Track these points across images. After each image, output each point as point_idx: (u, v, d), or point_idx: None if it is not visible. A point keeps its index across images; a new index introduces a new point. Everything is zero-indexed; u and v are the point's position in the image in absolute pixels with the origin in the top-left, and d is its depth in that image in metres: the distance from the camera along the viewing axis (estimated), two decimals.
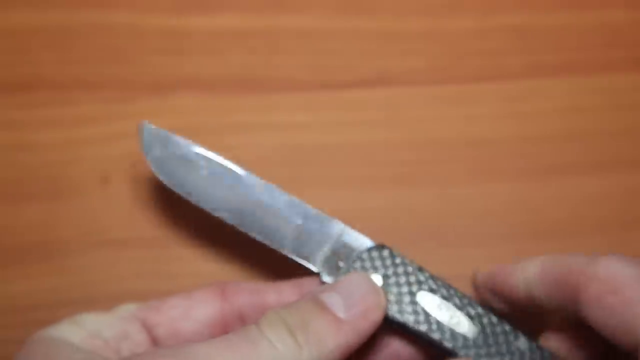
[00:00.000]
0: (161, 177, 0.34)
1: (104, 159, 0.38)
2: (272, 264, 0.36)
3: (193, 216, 0.37)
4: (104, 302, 0.36)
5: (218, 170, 0.34)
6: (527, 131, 0.40)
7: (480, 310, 0.32)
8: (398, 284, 0.32)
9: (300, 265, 0.33)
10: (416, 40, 0.41)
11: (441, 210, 0.38)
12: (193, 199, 0.34)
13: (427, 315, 0.32)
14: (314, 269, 0.33)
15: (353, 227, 0.35)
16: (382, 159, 0.39)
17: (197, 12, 0.41)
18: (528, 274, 0.30)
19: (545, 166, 0.39)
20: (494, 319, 0.32)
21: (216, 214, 0.33)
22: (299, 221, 0.34)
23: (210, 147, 0.38)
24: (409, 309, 0.32)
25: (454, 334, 0.32)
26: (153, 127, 0.34)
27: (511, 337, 0.32)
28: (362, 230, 0.36)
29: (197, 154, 0.34)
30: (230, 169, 0.34)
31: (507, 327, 0.32)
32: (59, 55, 0.40)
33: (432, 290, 0.32)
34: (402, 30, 0.41)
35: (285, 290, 0.33)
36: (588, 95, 0.41)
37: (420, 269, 0.33)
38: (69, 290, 0.36)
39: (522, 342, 0.32)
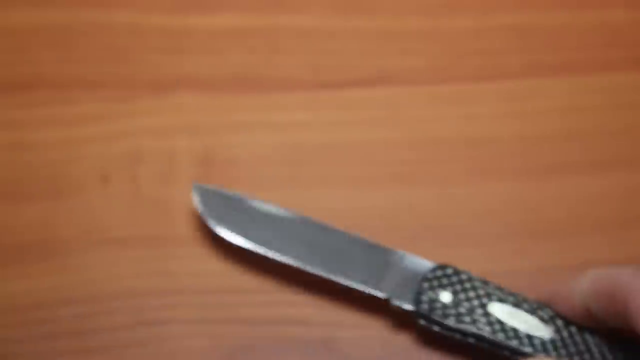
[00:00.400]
0: (224, 234, 0.35)
1: (104, 158, 0.38)
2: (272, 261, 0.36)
3: (193, 215, 0.37)
4: (104, 301, 0.36)
5: (275, 217, 0.35)
6: (527, 131, 0.40)
7: (551, 312, 0.33)
8: (468, 299, 0.33)
9: (364, 293, 0.34)
10: (416, 40, 0.41)
11: (441, 209, 0.38)
12: (257, 249, 0.35)
13: (501, 324, 0.33)
14: (382, 295, 0.34)
15: (353, 226, 0.35)
16: (381, 158, 0.39)
17: (197, 11, 0.41)
18: (582, 290, 0.31)
19: (545, 166, 0.39)
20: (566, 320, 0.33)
21: (282, 259, 0.34)
22: (361, 254, 0.35)
23: (210, 147, 0.38)
24: (483, 320, 0.33)
25: (531, 339, 0.32)
26: (205, 186, 0.36)
27: (587, 335, 0.32)
28: (363, 230, 0.36)
29: (251, 205, 0.35)
30: (286, 216, 0.35)
31: (580, 327, 0.32)
32: (59, 54, 0.40)
33: (501, 300, 0.33)
34: (402, 30, 0.41)
35: None
36: (588, 95, 0.41)
37: (485, 282, 0.33)
38: (69, 289, 0.36)
39: (597, 339, 0.32)
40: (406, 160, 0.39)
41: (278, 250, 0.35)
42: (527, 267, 0.37)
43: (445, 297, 0.33)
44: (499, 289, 0.33)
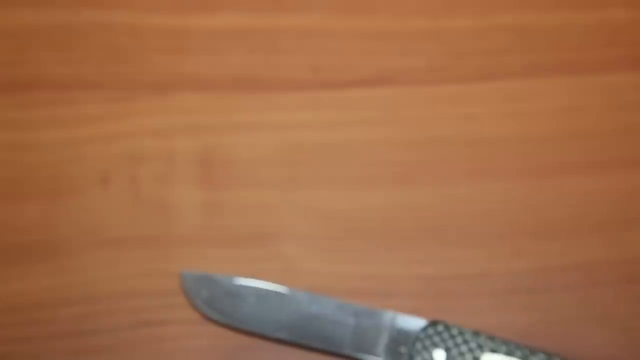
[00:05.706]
0: (213, 317, 0.35)
1: (105, 159, 0.38)
2: None
3: (192, 215, 0.37)
4: (104, 301, 0.36)
5: (263, 295, 0.35)
6: (527, 131, 0.40)
7: (543, 356, 0.33)
8: (461, 354, 0.33)
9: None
10: (416, 40, 0.41)
11: (441, 209, 0.38)
12: (249, 328, 0.35)
13: None
14: None
15: (353, 226, 0.35)
16: (382, 158, 0.39)
17: (197, 11, 0.41)
18: None
19: (545, 166, 0.39)
20: None
21: (275, 336, 0.35)
22: (352, 321, 0.35)
23: (210, 147, 0.38)
24: None
25: None
26: (193, 273, 0.35)
27: None
28: (363, 230, 0.36)
29: (239, 285, 0.35)
30: (274, 291, 0.35)
31: None
32: (60, 54, 0.40)
33: (493, 350, 0.33)
34: (402, 30, 0.41)
35: None
36: (588, 95, 0.41)
37: (477, 333, 0.34)
38: (69, 289, 0.36)
39: None
40: (406, 160, 0.39)
41: (270, 326, 0.35)
42: (527, 267, 0.37)
43: (439, 355, 0.33)
44: (491, 338, 0.33)
